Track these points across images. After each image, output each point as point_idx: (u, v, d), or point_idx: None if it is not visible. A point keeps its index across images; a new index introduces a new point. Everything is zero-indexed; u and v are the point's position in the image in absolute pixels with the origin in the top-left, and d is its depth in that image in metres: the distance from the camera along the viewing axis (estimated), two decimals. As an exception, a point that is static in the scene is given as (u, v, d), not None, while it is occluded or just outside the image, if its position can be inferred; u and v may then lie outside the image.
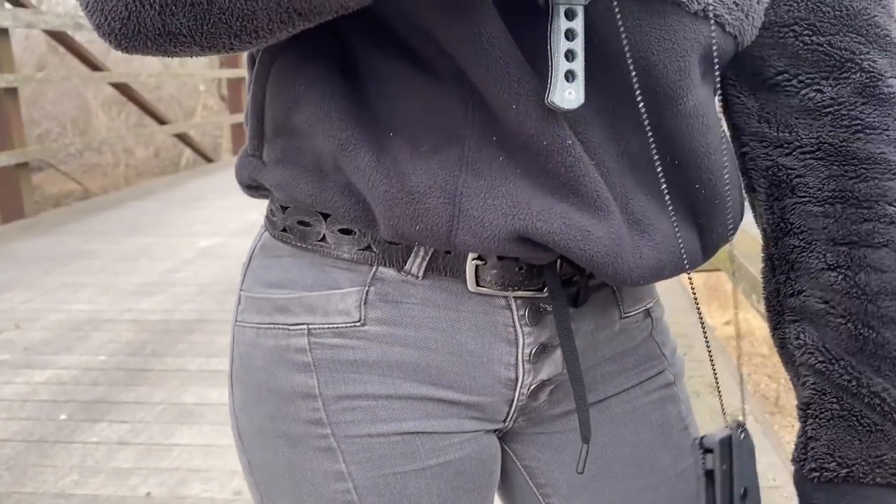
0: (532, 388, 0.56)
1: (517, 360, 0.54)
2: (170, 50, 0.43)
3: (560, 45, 0.44)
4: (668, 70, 0.48)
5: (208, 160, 8.15)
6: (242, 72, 8.60)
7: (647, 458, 0.61)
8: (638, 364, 0.62)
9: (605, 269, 0.49)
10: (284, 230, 0.56)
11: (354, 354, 0.53)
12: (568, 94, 0.44)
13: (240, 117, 8.46)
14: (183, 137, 7.74)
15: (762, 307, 1.82)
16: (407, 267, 0.52)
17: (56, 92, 16.01)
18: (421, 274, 0.52)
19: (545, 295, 0.53)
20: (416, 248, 0.52)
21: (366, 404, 0.53)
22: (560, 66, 0.44)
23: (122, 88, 6.54)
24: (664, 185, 0.51)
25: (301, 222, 0.54)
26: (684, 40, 0.48)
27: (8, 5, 5.18)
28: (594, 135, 0.49)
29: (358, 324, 0.53)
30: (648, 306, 0.63)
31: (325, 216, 0.53)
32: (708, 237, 0.56)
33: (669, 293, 3.43)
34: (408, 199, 0.47)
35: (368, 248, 0.52)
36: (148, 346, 2.78)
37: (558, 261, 0.52)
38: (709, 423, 2.17)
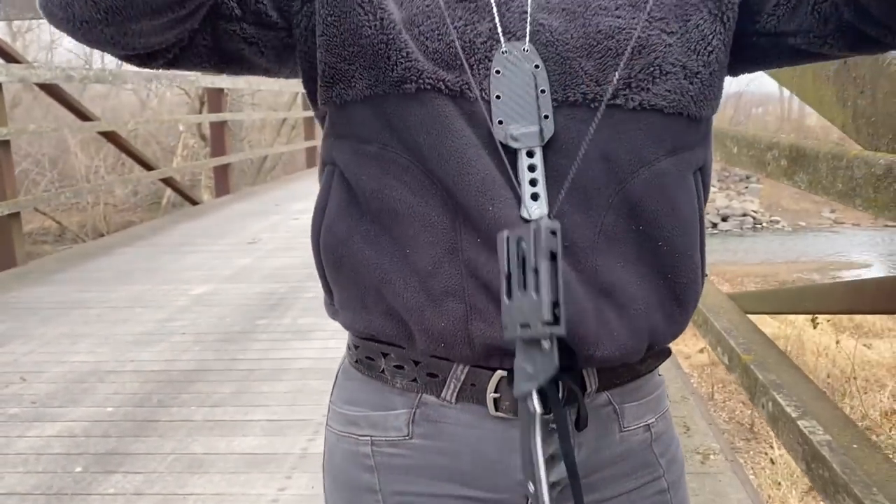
0: None
1: None
2: (75, 22, 0.60)
3: (525, 176, 0.63)
4: (620, 153, 0.64)
5: (193, 203, 8.27)
6: (225, 115, 8.79)
7: None
8: (635, 470, 0.75)
9: (572, 335, 0.63)
10: (357, 362, 0.74)
11: (404, 461, 0.71)
12: (535, 210, 0.62)
13: (222, 160, 8.63)
14: (169, 182, 7.88)
15: (727, 359, 2.02)
16: (443, 395, 0.70)
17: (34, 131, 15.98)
18: (454, 400, 0.70)
19: (551, 416, 0.68)
20: (448, 381, 0.69)
21: (413, 500, 0.71)
22: (526, 190, 0.63)
23: (111, 136, 6.70)
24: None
25: (368, 357, 0.73)
26: (629, 130, 0.64)
27: (1, 60, 5.34)
28: (573, 221, 0.64)
29: (407, 437, 0.71)
30: (649, 422, 0.76)
31: (385, 354, 0.71)
32: (677, 287, 0.68)
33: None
34: (433, 305, 0.65)
35: (415, 380, 0.70)
36: (153, 397, 2.91)
37: (559, 384, 0.67)
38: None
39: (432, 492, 0.71)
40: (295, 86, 12.56)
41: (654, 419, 0.77)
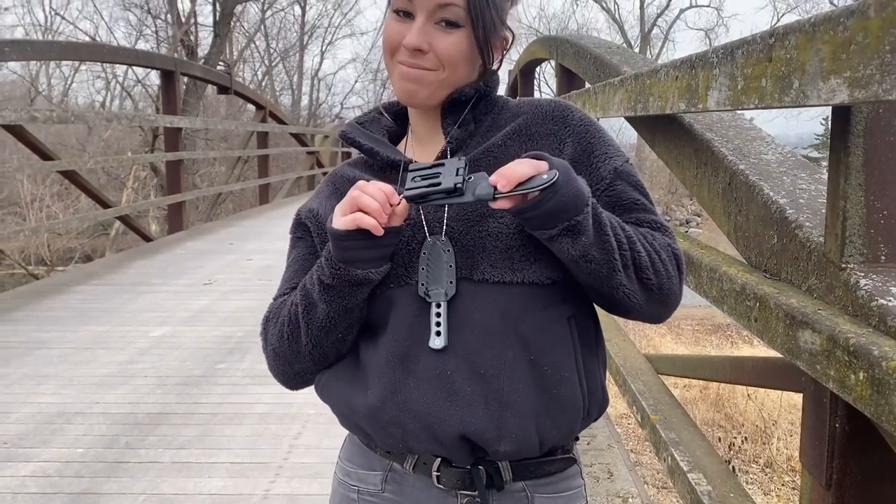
0: None
1: None
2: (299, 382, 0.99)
3: (433, 319, 0.93)
4: (511, 309, 0.93)
5: (147, 239, 8.39)
6: (182, 154, 8.96)
7: None
8: None
9: (481, 439, 0.92)
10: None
11: None
12: (436, 341, 0.93)
13: (177, 198, 8.78)
14: (125, 219, 7.99)
15: (640, 417, 2.35)
16: (405, 466, 1.00)
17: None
18: (411, 470, 1.00)
19: (475, 493, 0.97)
20: (407, 457, 0.99)
21: None
22: (433, 329, 0.93)
23: (70, 175, 6.82)
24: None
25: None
26: (515, 294, 0.94)
27: (-33, 101, 5.48)
28: (484, 355, 0.93)
29: (380, 490, 1.02)
30: None
31: None
32: (559, 399, 0.94)
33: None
34: (383, 431, 0.96)
35: (389, 453, 1.01)
36: (121, 439, 3.10)
37: (481, 469, 0.96)
38: (605, 503, 2.67)
39: None
40: (250, 125, 12.77)
41: None
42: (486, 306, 0.94)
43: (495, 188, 0.84)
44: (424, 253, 0.96)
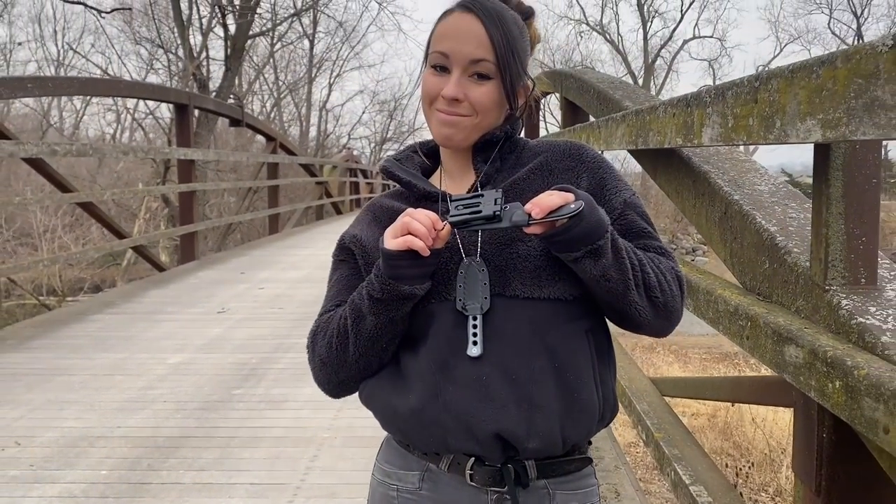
0: None
1: None
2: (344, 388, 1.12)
3: (469, 330, 1.06)
4: (538, 321, 1.07)
5: (160, 269, 8.54)
6: (195, 186, 9.15)
7: None
8: None
9: (513, 437, 1.04)
10: (397, 439, 1.16)
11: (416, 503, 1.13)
12: (474, 350, 1.06)
13: (190, 228, 8.94)
14: (139, 250, 8.16)
15: (644, 435, 2.44)
16: (440, 466, 1.12)
17: (-10, 188, 16.03)
18: (446, 469, 1.11)
19: (505, 490, 1.09)
20: (443, 458, 1.11)
21: None
22: (470, 339, 1.06)
23: (87, 207, 7.00)
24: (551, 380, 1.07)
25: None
26: (543, 307, 1.07)
27: (-9, 136, 5.67)
28: (516, 363, 1.06)
29: (418, 489, 1.13)
30: None
31: None
32: (580, 401, 1.07)
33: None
34: (424, 430, 1.08)
35: (425, 454, 1.12)
36: (143, 462, 3.21)
37: (511, 467, 1.08)
38: (613, 523, 2.76)
39: None
40: (261, 156, 13.00)
41: None
42: (516, 319, 1.07)
43: (530, 215, 0.97)
44: (461, 272, 1.09)
